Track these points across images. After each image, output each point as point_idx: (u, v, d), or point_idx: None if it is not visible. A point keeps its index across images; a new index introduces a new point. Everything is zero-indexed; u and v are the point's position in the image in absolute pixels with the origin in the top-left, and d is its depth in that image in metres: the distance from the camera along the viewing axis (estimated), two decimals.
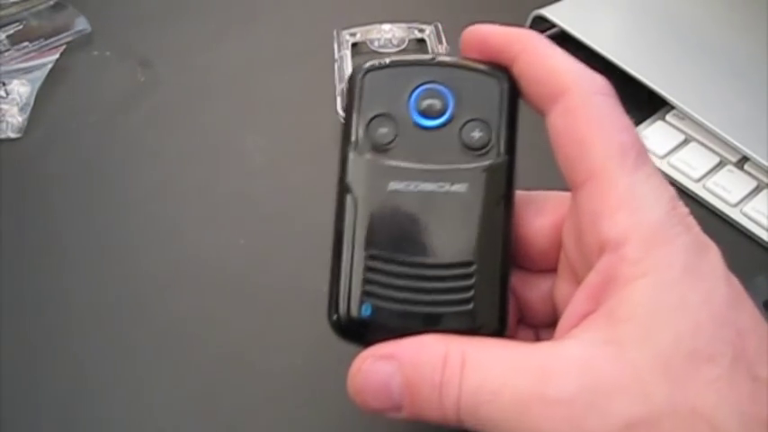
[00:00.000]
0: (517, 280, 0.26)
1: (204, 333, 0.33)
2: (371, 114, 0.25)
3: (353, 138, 0.25)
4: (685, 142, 0.40)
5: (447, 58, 0.26)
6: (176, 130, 0.42)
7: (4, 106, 0.42)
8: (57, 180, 0.39)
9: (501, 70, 0.25)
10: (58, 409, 0.30)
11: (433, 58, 0.26)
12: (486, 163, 0.25)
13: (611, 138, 0.23)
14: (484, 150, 0.25)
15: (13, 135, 0.41)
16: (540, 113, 0.25)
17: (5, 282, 0.34)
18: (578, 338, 0.22)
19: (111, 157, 0.40)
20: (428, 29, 0.46)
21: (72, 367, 0.32)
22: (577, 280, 0.24)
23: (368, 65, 0.26)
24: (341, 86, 0.42)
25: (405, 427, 0.30)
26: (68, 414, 0.30)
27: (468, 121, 0.25)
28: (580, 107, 0.23)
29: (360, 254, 0.24)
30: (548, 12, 0.44)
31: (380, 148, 0.25)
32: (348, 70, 0.43)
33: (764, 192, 0.38)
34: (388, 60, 0.26)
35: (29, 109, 0.42)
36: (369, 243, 0.24)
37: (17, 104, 0.42)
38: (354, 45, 0.45)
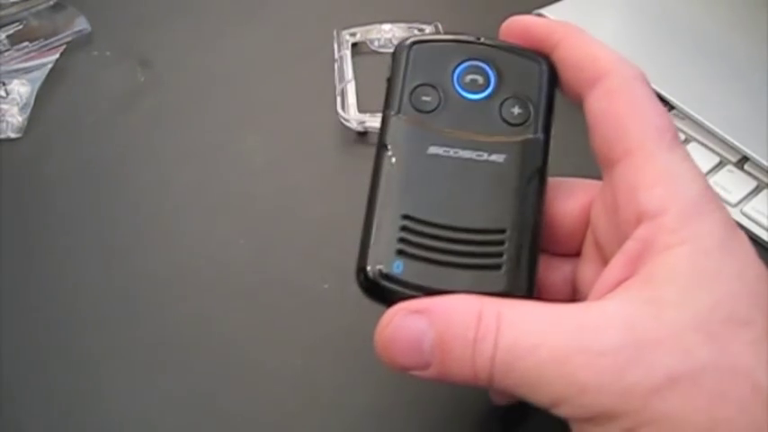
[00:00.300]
0: (540, 263, 0.26)
1: (204, 333, 0.33)
2: (416, 83, 0.26)
3: (396, 103, 0.26)
4: (685, 142, 0.40)
5: (491, 40, 0.27)
6: (176, 130, 0.42)
7: (4, 106, 0.42)
8: (57, 180, 0.39)
9: (541, 55, 0.27)
10: (58, 408, 0.30)
11: (478, 38, 0.27)
12: (525, 137, 0.26)
13: (649, 119, 0.24)
14: (522, 126, 0.26)
15: (13, 135, 0.41)
16: (576, 99, 0.26)
17: (5, 281, 0.34)
18: (617, 299, 0.22)
19: (111, 157, 0.40)
20: (428, 29, 0.46)
21: (72, 367, 0.32)
22: (603, 260, 0.25)
23: (414, 38, 0.27)
24: (341, 86, 0.42)
25: (410, 426, 0.30)
26: (68, 414, 0.30)
27: (509, 98, 0.26)
28: (620, 90, 0.25)
29: (395, 213, 0.24)
30: (548, 12, 0.44)
31: (422, 114, 0.26)
32: (348, 70, 0.43)
33: (764, 192, 0.38)
34: (434, 36, 0.28)
35: (29, 109, 0.42)
36: (404, 203, 0.25)
37: (17, 104, 0.42)
38: (354, 45, 0.45)
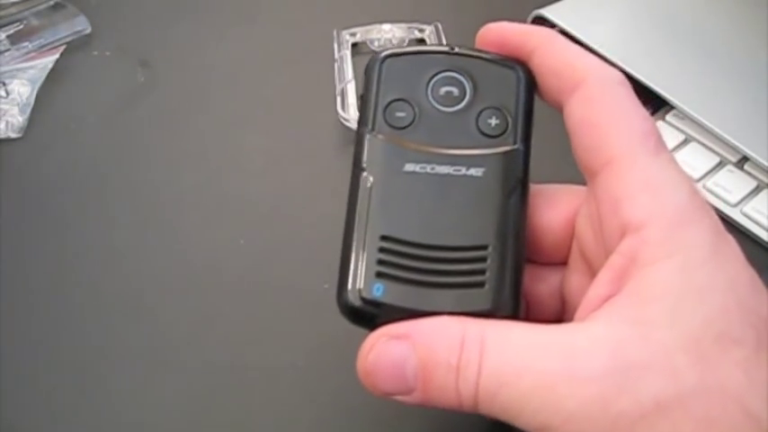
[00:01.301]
0: (525, 273, 0.25)
1: (204, 333, 0.33)
2: (390, 98, 0.25)
3: (370, 120, 0.25)
4: (685, 142, 0.40)
5: (465, 50, 0.26)
6: (176, 130, 0.42)
7: (4, 106, 0.42)
8: (57, 180, 0.39)
9: (518, 63, 0.26)
10: (56, 409, 0.30)
11: (452, 48, 0.26)
12: (504, 149, 0.25)
13: (630, 124, 0.23)
14: (501, 138, 0.25)
15: (13, 135, 0.41)
16: (557, 106, 0.25)
17: (4, 281, 0.34)
18: (604, 319, 0.21)
19: (111, 157, 0.40)
20: (428, 29, 0.46)
21: (71, 368, 0.32)
22: (590, 271, 0.24)
23: (387, 52, 0.26)
24: (341, 86, 0.42)
25: (409, 427, 0.30)
26: (68, 414, 0.30)
27: (485, 109, 0.25)
28: (599, 96, 0.24)
29: (373, 234, 0.24)
30: (548, 12, 0.44)
31: (397, 131, 0.25)
32: (348, 70, 0.43)
33: (764, 192, 0.38)
34: (407, 49, 0.27)
35: (29, 109, 0.42)
36: (382, 223, 0.24)
37: (17, 104, 0.42)
38: (354, 45, 0.45)
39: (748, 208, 0.37)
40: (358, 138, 0.25)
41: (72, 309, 0.33)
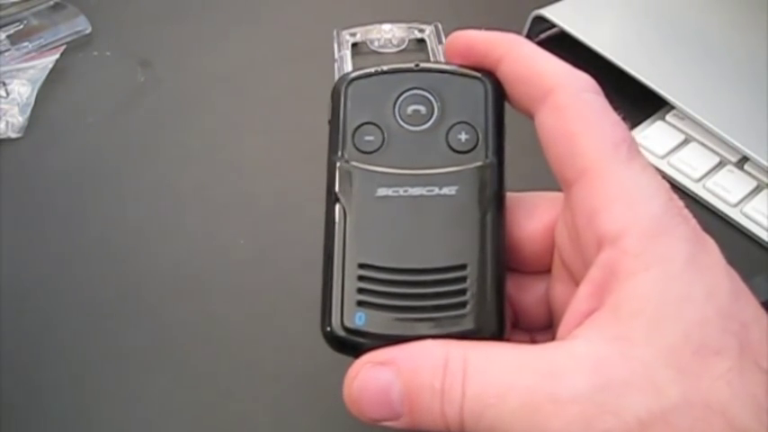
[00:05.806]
0: (511, 283, 0.25)
1: (204, 333, 0.33)
2: (357, 123, 0.25)
3: (340, 146, 0.25)
4: (685, 142, 0.40)
5: (430, 65, 0.26)
6: (176, 130, 0.42)
7: (5, 106, 0.42)
8: (57, 180, 0.39)
9: (485, 73, 0.25)
10: (56, 410, 0.30)
11: (417, 65, 0.26)
12: (475, 164, 0.24)
13: (602, 133, 0.23)
14: (472, 153, 0.25)
15: (13, 135, 0.41)
16: (528, 115, 0.25)
17: (4, 281, 0.34)
18: (585, 337, 0.21)
19: (111, 157, 0.40)
20: (428, 29, 0.46)
21: (70, 367, 0.32)
22: (573, 280, 0.24)
23: (351, 75, 0.26)
24: None
25: None
26: (67, 415, 0.30)
27: (455, 125, 0.25)
28: (568, 104, 0.23)
29: (351, 263, 0.24)
30: (548, 12, 0.44)
31: (367, 156, 0.25)
32: (348, 70, 0.43)
33: (764, 192, 0.38)
34: (371, 70, 0.26)
35: (29, 109, 0.42)
36: (359, 251, 0.24)
37: (17, 104, 0.42)
38: (354, 45, 0.45)
39: (748, 208, 0.37)
40: (329, 165, 0.25)
41: (72, 308, 0.33)
